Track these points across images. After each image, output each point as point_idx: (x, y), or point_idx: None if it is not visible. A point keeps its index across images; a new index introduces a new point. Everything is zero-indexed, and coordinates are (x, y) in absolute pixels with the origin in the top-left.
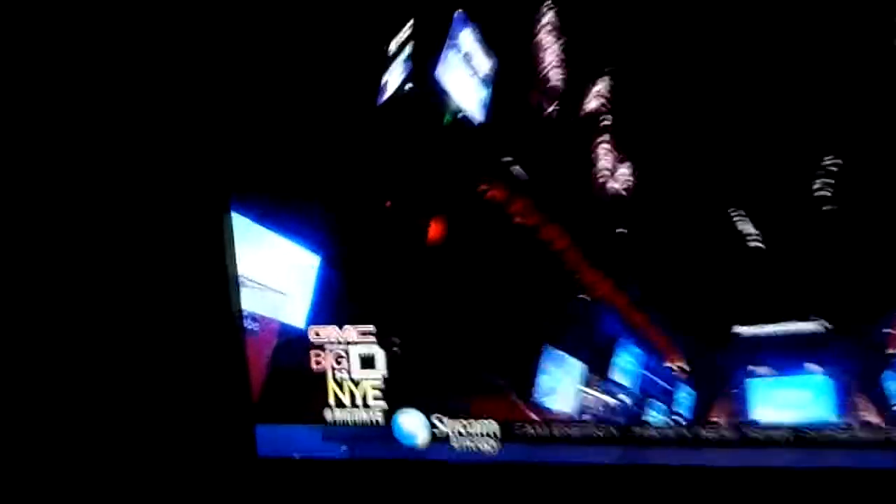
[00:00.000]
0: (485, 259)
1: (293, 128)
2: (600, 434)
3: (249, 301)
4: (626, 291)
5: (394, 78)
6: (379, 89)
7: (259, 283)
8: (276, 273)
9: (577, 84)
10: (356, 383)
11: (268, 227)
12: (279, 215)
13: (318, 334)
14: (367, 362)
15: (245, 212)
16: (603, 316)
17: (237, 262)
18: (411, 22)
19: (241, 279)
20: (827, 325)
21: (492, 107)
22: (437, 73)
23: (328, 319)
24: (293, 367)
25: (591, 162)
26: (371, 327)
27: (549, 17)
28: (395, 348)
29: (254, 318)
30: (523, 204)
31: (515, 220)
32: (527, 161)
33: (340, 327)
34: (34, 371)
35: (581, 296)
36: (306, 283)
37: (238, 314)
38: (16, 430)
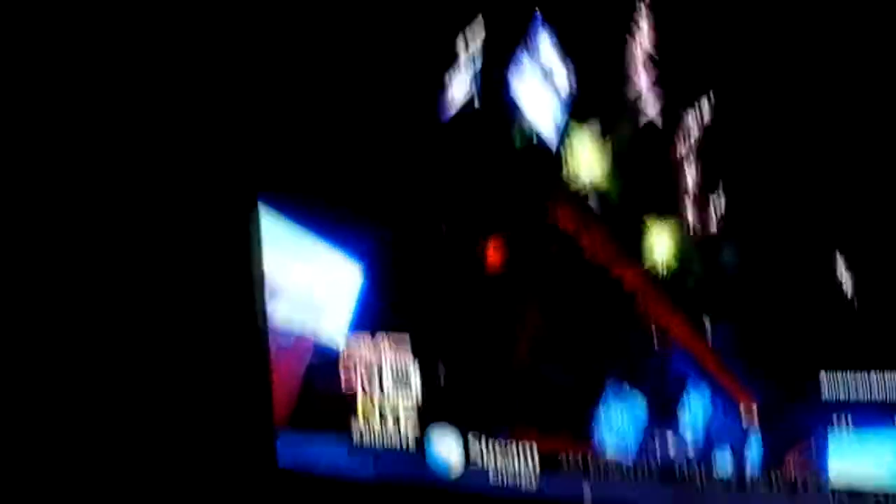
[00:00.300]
0: (550, 287)
1: (351, 130)
2: (658, 476)
3: (285, 313)
4: (699, 331)
5: (461, 85)
6: (445, 96)
7: (298, 296)
8: (315, 284)
9: (670, 109)
10: (388, 401)
11: (311, 235)
12: (325, 225)
13: (350, 348)
14: (401, 380)
15: (289, 218)
16: (673, 354)
17: (264, 262)
18: (480, 18)
19: (277, 290)
20: None
21: (567, 126)
22: (510, 84)
23: (371, 334)
24: (325, 381)
25: (677, 199)
26: (407, 342)
27: (642, 30)
28: (440, 368)
29: (289, 331)
30: (597, 237)
31: (586, 253)
32: (602, 192)
33: (375, 342)
34: (52, 372)
35: (652, 331)
36: (347, 296)
37: (263, 316)
38: (30, 433)
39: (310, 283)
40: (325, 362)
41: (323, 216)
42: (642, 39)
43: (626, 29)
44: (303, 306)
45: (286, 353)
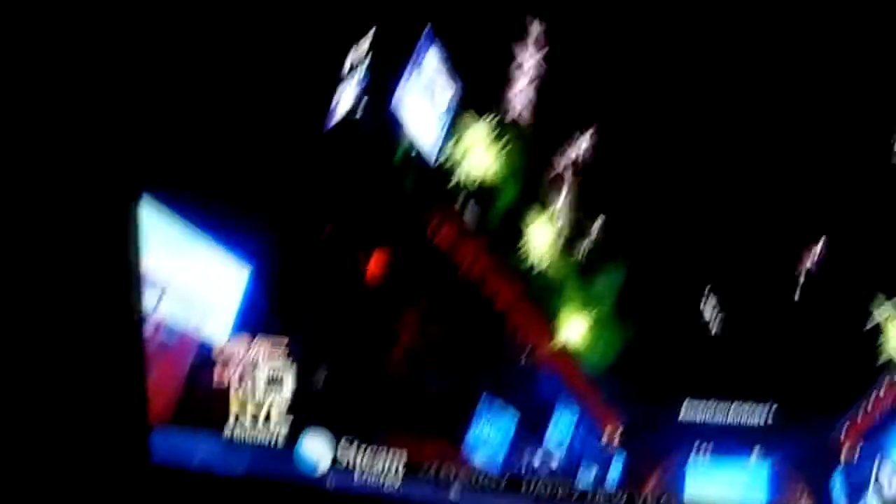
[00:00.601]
0: (427, 298)
1: (239, 134)
2: (523, 489)
3: (170, 310)
4: (571, 351)
5: (347, 95)
6: (331, 106)
7: (183, 293)
8: (202, 283)
9: (555, 130)
10: (261, 400)
11: (199, 235)
12: (214, 226)
13: (228, 348)
14: (275, 381)
15: (177, 215)
16: (545, 372)
17: (148, 258)
18: (373, 31)
19: (163, 286)
20: (778, 411)
21: (448, 143)
22: (395, 98)
23: (254, 334)
24: (207, 379)
25: (555, 216)
26: (282, 345)
27: (531, 54)
28: (318, 371)
29: (174, 329)
30: (474, 250)
31: (463, 265)
32: (482, 206)
33: (252, 342)
34: None
35: (526, 350)
36: (233, 294)
37: (139, 312)
38: None
39: (197, 281)
40: (207, 361)
41: (212, 217)
42: (529, 62)
43: (513, 49)
44: (189, 304)
45: (170, 350)
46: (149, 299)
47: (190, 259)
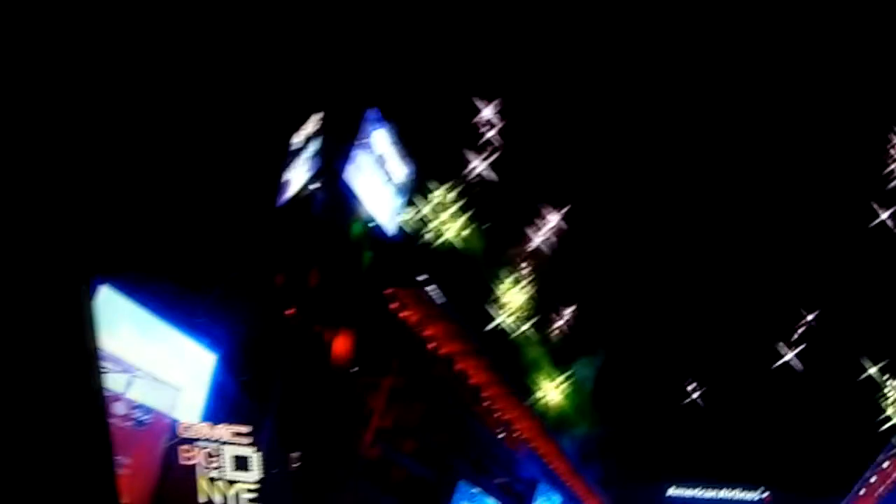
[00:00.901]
0: (396, 377)
1: (196, 219)
2: None
3: (142, 393)
4: (550, 433)
5: (298, 175)
6: (281, 185)
7: (153, 376)
8: (170, 367)
9: (518, 208)
10: (228, 484)
11: (165, 322)
12: (179, 311)
13: (187, 429)
14: (242, 464)
15: (143, 305)
16: (523, 455)
17: (113, 342)
18: (320, 115)
19: (132, 371)
20: (768, 497)
21: (407, 218)
22: (346, 174)
23: (223, 419)
24: (178, 461)
25: (524, 294)
26: (246, 429)
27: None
28: (287, 456)
29: (147, 410)
30: (441, 329)
31: (432, 343)
32: (448, 283)
33: (217, 426)
34: None
35: (504, 429)
36: (201, 380)
37: (98, 392)
38: None
39: (165, 366)
40: (179, 441)
41: (178, 305)
42: (487, 137)
43: (471, 126)
44: (159, 387)
45: (145, 431)
46: (118, 382)
47: (158, 344)
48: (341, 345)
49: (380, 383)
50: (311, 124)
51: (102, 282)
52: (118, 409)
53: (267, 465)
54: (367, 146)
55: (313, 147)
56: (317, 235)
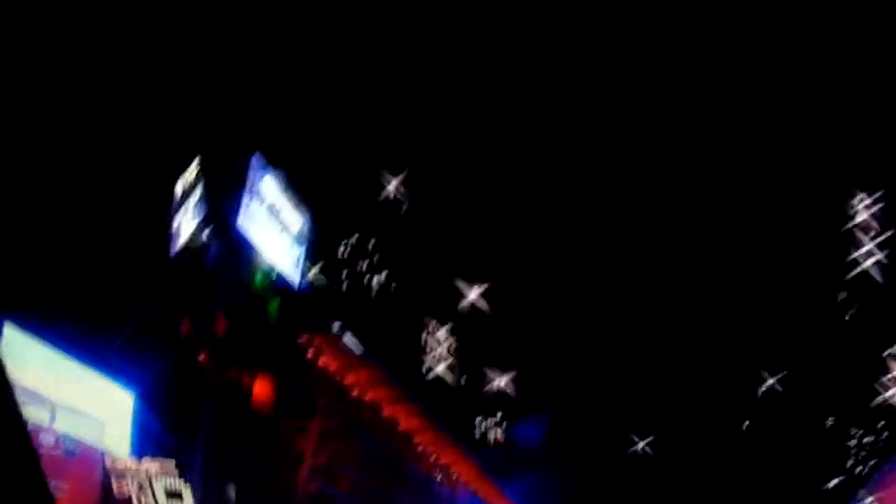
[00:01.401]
0: (321, 418)
1: (97, 266)
2: None
3: (67, 424)
4: (493, 479)
5: (187, 222)
6: (171, 233)
7: (73, 409)
8: (89, 402)
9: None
10: None
11: (75, 360)
12: (89, 350)
13: (115, 462)
14: (175, 495)
15: (49, 341)
16: (465, 499)
17: (22, 376)
18: (198, 160)
19: (54, 403)
20: None
21: (310, 267)
22: (238, 223)
23: (151, 453)
24: (111, 494)
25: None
26: (175, 463)
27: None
28: (220, 490)
29: (75, 441)
30: (364, 376)
31: (352, 391)
32: (364, 330)
33: (144, 459)
34: None
35: (437, 475)
36: (123, 416)
37: (18, 416)
38: None
39: (84, 401)
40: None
41: (91, 344)
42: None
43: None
44: (82, 420)
45: (76, 460)
46: (40, 414)
47: (72, 382)
48: (261, 389)
49: (307, 426)
50: (192, 170)
51: (6, 318)
52: (46, 438)
53: (203, 499)
54: (257, 193)
55: (198, 193)
56: (216, 285)
